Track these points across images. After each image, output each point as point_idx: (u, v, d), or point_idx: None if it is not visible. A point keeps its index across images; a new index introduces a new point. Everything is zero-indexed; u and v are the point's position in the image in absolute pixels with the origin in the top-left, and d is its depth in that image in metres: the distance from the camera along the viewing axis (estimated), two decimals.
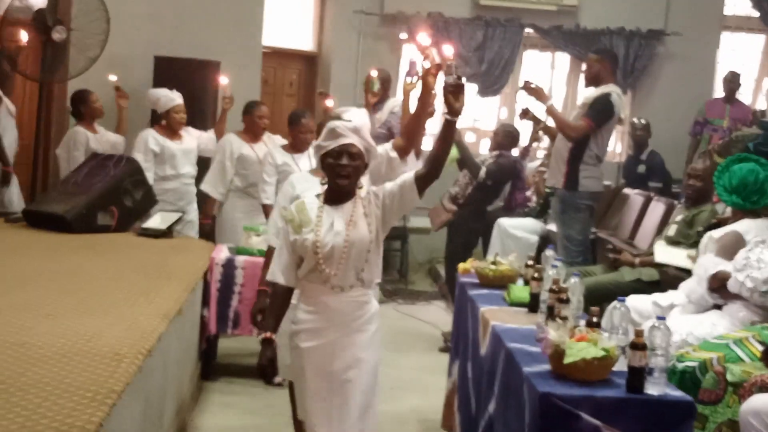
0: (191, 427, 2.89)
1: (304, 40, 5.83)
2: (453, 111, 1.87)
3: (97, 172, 3.77)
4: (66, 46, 4.15)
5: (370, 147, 1.99)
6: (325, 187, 1.98)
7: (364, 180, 2.05)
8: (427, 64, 2.34)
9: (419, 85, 2.43)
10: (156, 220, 3.70)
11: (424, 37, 2.36)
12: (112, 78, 4.29)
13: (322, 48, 5.87)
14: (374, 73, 2.97)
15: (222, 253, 3.34)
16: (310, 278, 1.96)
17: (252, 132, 3.88)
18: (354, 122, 2.01)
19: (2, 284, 2.55)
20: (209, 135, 4.11)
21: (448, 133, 1.96)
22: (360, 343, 1.99)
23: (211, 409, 3.06)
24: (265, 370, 1.97)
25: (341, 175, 1.93)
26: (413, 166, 2.31)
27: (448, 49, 2.03)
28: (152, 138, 3.86)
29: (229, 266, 3.26)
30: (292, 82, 5.01)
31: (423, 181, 1.92)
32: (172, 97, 3.90)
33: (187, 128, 4.01)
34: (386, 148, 2.44)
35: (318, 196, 1.98)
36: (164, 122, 3.90)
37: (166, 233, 3.60)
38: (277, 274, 1.96)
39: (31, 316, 2.20)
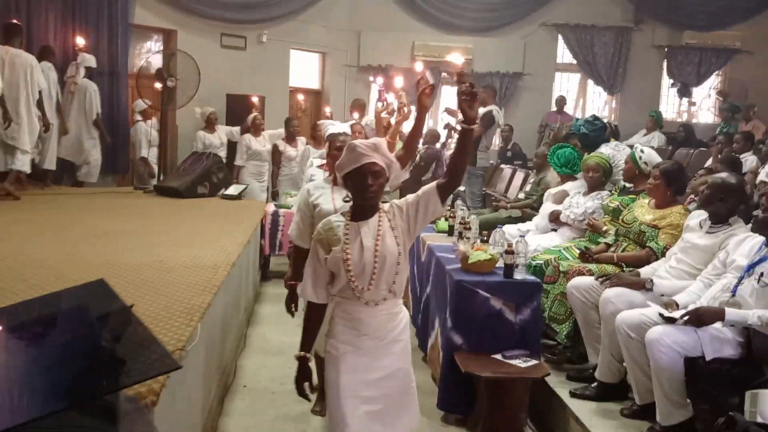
0: (256, 312, 6.86)
1: (313, 81, 13.25)
2: (468, 119, 2.61)
3: (197, 162, 8.73)
4: (175, 90, 9.35)
5: (390, 162, 2.78)
6: (349, 204, 2.82)
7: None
8: (391, 99, 4.63)
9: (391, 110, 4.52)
10: (232, 190, 8.53)
11: (399, 81, 4.53)
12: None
13: (324, 86, 13.28)
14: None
15: (270, 207, 8.00)
16: (344, 294, 2.77)
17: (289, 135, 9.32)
18: (373, 140, 2.82)
19: (145, 229, 5.96)
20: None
21: (467, 143, 2.75)
22: (397, 353, 2.85)
23: (267, 299, 7.33)
24: (301, 390, 2.91)
25: (367, 195, 2.72)
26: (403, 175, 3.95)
27: (458, 59, 2.83)
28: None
29: (275, 215, 7.84)
30: (307, 107, 10.82)
31: (444, 190, 2.75)
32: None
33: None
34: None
35: (344, 214, 2.80)
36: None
37: (239, 197, 8.39)
38: (309, 293, 2.81)
39: (163, 247, 5.16)
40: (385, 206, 2.80)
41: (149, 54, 11.11)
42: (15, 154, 7.50)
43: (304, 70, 12.88)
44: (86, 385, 1.46)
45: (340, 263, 2.68)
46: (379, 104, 4.69)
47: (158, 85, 9.31)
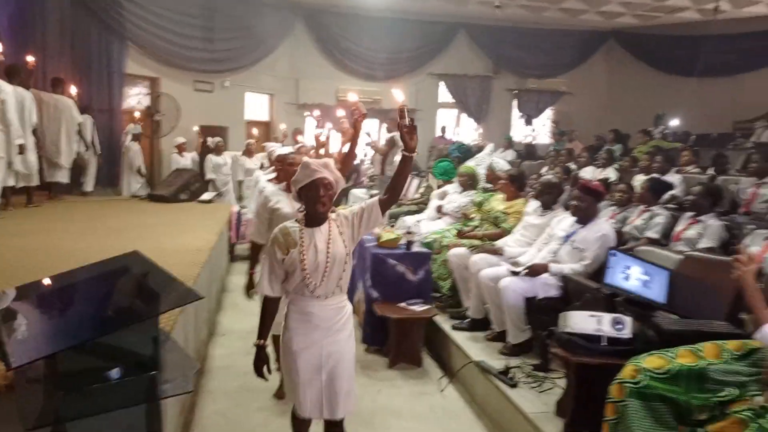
0: (227, 282, 6.87)
1: (263, 115, 13.02)
2: (409, 148, 2.37)
3: (179, 176, 8.75)
4: (161, 121, 10.70)
5: (338, 178, 2.47)
6: (303, 213, 2.46)
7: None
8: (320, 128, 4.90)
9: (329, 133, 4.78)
10: (206, 196, 8.50)
11: (340, 111, 4.84)
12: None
13: (272, 118, 12.85)
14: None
15: (235, 208, 8.05)
16: (298, 290, 2.44)
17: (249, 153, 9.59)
18: (323, 160, 2.52)
19: (145, 226, 6.02)
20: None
21: (407, 167, 2.45)
22: (342, 340, 2.52)
23: (235, 274, 7.17)
24: (259, 373, 2.51)
25: (319, 204, 2.40)
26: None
27: (399, 95, 2.46)
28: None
29: (239, 213, 7.99)
30: (259, 134, 11.12)
31: (386, 204, 2.48)
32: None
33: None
34: None
35: (298, 221, 2.46)
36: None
37: (211, 201, 8.46)
38: (266, 287, 2.45)
39: (160, 237, 5.28)
40: (333, 215, 2.50)
41: (139, 95, 10.95)
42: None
43: (257, 107, 12.85)
44: (137, 310, 1.58)
45: (296, 263, 2.39)
46: (318, 131, 4.89)
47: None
